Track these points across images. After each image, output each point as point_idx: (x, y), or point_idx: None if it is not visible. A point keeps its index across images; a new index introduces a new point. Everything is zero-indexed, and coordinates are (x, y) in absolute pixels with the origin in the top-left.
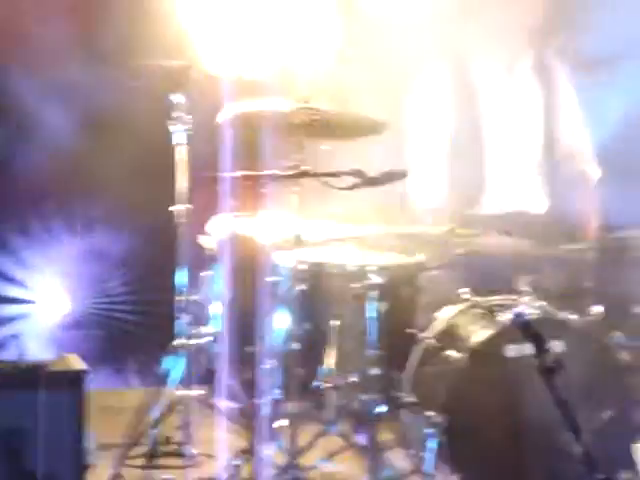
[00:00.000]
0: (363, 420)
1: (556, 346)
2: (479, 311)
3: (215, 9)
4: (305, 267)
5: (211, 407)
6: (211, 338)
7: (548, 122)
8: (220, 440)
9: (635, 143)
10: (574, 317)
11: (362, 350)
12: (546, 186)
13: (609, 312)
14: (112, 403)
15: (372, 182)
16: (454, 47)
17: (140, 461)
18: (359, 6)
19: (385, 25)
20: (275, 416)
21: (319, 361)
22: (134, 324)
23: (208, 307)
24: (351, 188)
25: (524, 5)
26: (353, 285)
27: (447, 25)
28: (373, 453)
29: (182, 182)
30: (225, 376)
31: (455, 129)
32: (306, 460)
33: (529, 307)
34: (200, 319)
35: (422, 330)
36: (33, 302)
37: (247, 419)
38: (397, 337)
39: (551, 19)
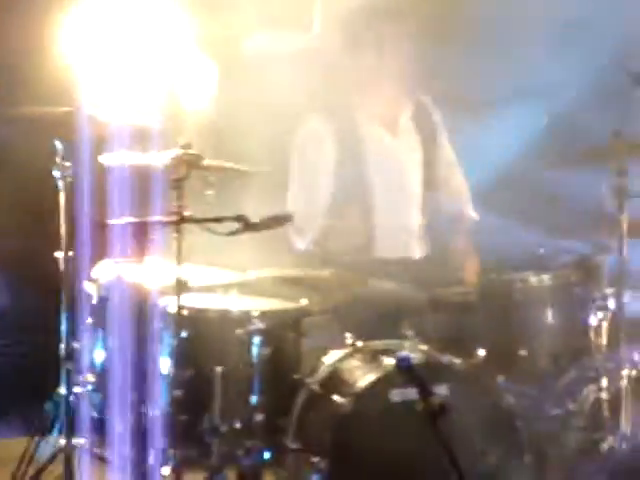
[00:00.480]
0: (248, 467)
1: (440, 390)
2: (364, 356)
3: (100, 55)
4: (189, 313)
5: (96, 456)
6: (95, 385)
7: (429, 168)
8: None
9: (516, 184)
10: (458, 361)
11: (246, 396)
12: (428, 231)
13: (493, 355)
14: None
15: (255, 227)
16: (336, 93)
17: None
18: (240, 53)
19: (268, 72)
20: (161, 463)
21: (204, 408)
22: (17, 372)
23: (93, 354)
24: (234, 233)
25: (404, 53)
26: (237, 331)
27: (328, 71)
28: None
29: (66, 228)
30: (110, 424)
31: (341, 175)
32: None
33: (413, 351)
34: (85, 366)
35: (307, 375)
36: None
37: (133, 467)
38: (282, 383)
39: (431, 66)
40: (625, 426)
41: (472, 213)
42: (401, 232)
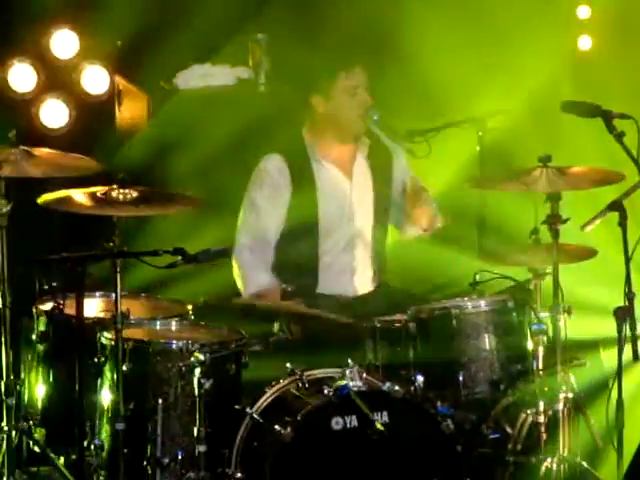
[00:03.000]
0: None
1: (381, 417)
2: (304, 385)
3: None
4: (130, 346)
5: None
6: (37, 420)
7: (382, 203)
8: None
9: (451, 211)
10: (398, 388)
11: (189, 428)
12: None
13: (432, 382)
14: None
15: (193, 260)
16: (288, 132)
17: None
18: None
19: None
20: None
21: (146, 440)
22: None
23: (34, 389)
24: (172, 266)
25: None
26: (178, 363)
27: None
28: None
29: (3, 265)
30: (52, 459)
31: (292, 217)
32: None
33: (353, 379)
34: (27, 402)
35: (248, 405)
36: None
37: None
38: (224, 413)
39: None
40: (562, 448)
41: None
42: (348, 269)
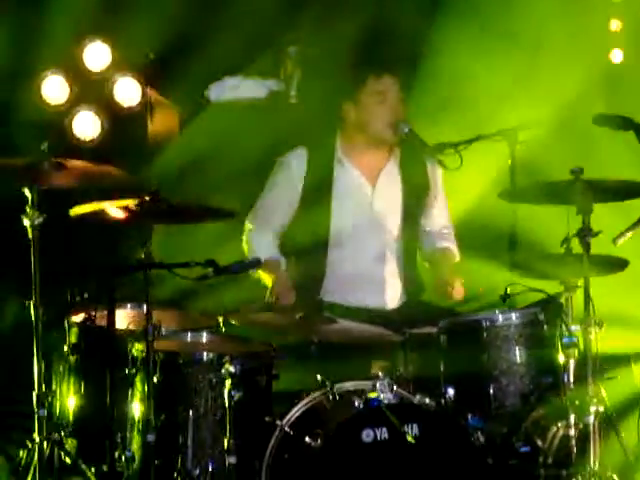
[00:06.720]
0: None
1: (412, 430)
2: (335, 397)
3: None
4: (160, 358)
5: None
6: (69, 432)
7: (412, 212)
8: None
9: (482, 223)
10: (428, 400)
11: (219, 439)
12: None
13: (463, 394)
14: None
15: (224, 272)
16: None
17: None
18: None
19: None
20: None
21: (177, 452)
22: None
23: (66, 400)
24: (204, 278)
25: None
26: (208, 375)
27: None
28: None
29: (36, 275)
30: (84, 470)
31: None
32: None
33: (384, 392)
34: (58, 413)
35: (279, 417)
36: None
37: None
38: (254, 425)
39: None
40: (593, 462)
41: (456, 250)
42: (378, 280)
